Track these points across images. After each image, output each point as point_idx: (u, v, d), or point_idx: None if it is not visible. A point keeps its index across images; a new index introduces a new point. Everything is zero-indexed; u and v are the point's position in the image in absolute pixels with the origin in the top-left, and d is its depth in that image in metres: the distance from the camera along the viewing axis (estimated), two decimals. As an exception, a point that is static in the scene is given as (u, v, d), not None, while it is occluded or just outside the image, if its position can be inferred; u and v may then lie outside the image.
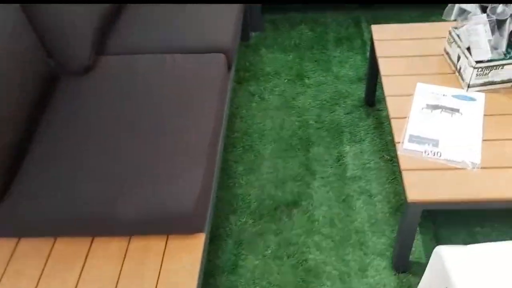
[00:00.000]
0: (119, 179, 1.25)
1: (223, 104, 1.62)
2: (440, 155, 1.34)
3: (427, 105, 1.49)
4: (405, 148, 1.37)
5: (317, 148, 1.96)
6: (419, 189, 1.26)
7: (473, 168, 1.30)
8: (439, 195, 1.24)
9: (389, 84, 1.58)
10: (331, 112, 2.11)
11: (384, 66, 1.64)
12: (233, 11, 1.86)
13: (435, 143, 1.37)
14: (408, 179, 1.29)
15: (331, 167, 1.88)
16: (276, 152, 1.96)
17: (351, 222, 1.69)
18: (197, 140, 1.34)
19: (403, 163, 1.33)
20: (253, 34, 2.60)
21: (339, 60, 2.38)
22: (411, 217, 1.32)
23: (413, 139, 1.39)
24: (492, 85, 1.51)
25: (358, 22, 2.62)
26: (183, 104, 1.45)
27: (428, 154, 1.34)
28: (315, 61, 2.39)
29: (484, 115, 1.44)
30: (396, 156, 1.40)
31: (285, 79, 2.31)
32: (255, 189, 1.83)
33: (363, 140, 1.97)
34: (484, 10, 1.36)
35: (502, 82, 1.50)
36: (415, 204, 1.26)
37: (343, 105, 2.14)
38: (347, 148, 1.95)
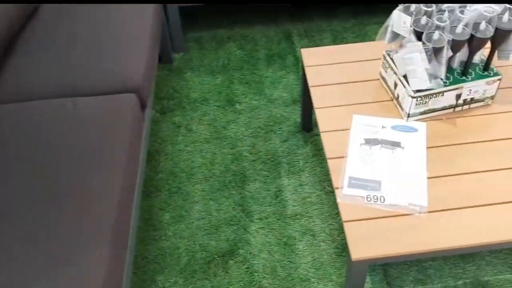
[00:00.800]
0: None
1: (138, 150, 1.42)
2: (384, 200, 1.22)
3: (366, 140, 1.38)
4: (344, 193, 1.25)
5: (253, 184, 1.81)
6: (364, 244, 1.14)
7: (420, 213, 1.19)
8: (386, 250, 1.13)
9: (323, 118, 1.45)
10: (267, 141, 1.97)
11: (317, 97, 1.52)
12: (145, 39, 1.66)
13: (377, 186, 1.26)
14: (351, 232, 1.16)
15: (269, 205, 1.73)
16: (208, 193, 1.78)
17: (295, 269, 1.55)
18: (101, 210, 1.13)
19: (345, 213, 1.20)
20: (176, 55, 2.41)
21: (271, 81, 2.24)
22: (357, 273, 1.19)
23: (353, 182, 1.27)
24: (434, 113, 1.42)
25: (289, 36, 2.51)
26: (86, 158, 1.23)
27: (371, 200, 1.23)
28: (246, 83, 2.24)
29: (427, 147, 1.35)
30: (336, 203, 1.27)
31: (214, 106, 2.14)
32: (184, 240, 1.64)
33: (302, 171, 1.85)
34: (419, 37, 1.26)
35: (444, 108, 1.42)
36: (360, 261, 1.13)
37: (279, 132, 2.00)
38: (286, 181, 1.81)
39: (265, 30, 2.56)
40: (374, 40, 2.39)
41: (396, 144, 1.36)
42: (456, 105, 1.42)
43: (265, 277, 1.53)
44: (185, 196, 1.77)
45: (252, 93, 2.19)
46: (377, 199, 1.23)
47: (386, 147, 1.35)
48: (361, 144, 1.37)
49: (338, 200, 1.24)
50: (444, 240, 1.13)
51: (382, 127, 1.41)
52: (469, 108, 1.44)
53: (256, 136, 1.99)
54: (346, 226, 1.18)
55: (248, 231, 1.65)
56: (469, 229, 1.15)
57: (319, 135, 1.97)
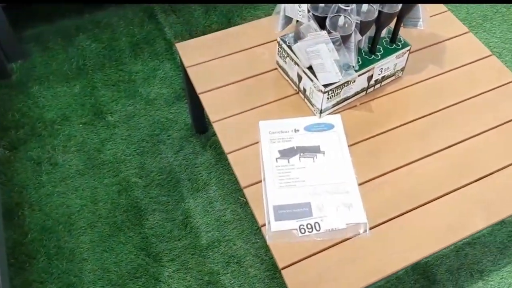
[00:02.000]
0: None
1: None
2: (319, 228, 1.06)
3: (280, 152, 1.18)
4: (274, 231, 1.05)
5: (153, 217, 1.54)
6: (311, 292, 0.97)
7: (364, 231, 1.05)
8: (338, 293, 0.97)
9: (225, 134, 1.22)
10: (156, 156, 1.68)
11: (210, 107, 1.27)
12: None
13: (308, 211, 1.08)
14: (292, 281, 0.98)
15: (179, 239, 1.49)
16: (99, 243, 1.47)
17: (227, 310, 1.36)
18: None
19: (280, 258, 1.01)
20: (13, 66, 1.93)
21: (144, 77, 1.91)
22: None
23: (280, 212, 1.08)
24: (346, 101, 1.27)
25: (152, 14, 2.15)
26: None
27: (305, 231, 1.05)
28: (113, 85, 1.88)
29: (349, 145, 1.20)
30: (267, 246, 1.08)
31: (79, 124, 1.77)
32: (84, 316, 1.35)
33: (208, 184, 1.61)
34: (320, 23, 1.06)
35: (356, 94, 1.27)
36: (312, 315, 0.97)
37: (169, 141, 1.72)
38: (191, 202, 1.57)
39: (121, 11, 2.17)
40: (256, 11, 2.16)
41: (315, 150, 1.19)
42: (368, 87, 1.28)
43: (195, 333, 1.32)
44: (70, 255, 1.45)
45: (123, 97, 1.85)
46: (312, 228, 1.06)
47: (306, 156, 1.18)
48: (276, 158, 1.17)
49: (268, 241, 1.04)
50: (398, 258, 1.01)
51: (295, 130, 1.22)
52: (380, 86, 1.32)
53: (141, 152, 1.69)
54: (285, 275, 1.00)
55: (160, 280, 1.40)
56: (421, 235, 1.04)
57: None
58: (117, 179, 1.62)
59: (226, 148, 1.18)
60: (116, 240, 1.48)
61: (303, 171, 1.14)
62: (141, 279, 1.40)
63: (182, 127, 1.76)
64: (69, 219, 1.52)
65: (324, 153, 1.18)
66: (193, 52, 1.39)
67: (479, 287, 1.37)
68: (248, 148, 1.19)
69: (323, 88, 1.15)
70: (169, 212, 1.54)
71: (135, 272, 1.42)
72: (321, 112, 1.23)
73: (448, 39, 1.42)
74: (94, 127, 1.76)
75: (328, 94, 1.18)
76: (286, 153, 1.18)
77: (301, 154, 1.18)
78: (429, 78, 1.33)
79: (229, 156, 1.17)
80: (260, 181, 1.13)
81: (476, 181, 1.13)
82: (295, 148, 1.19)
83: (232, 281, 1.40)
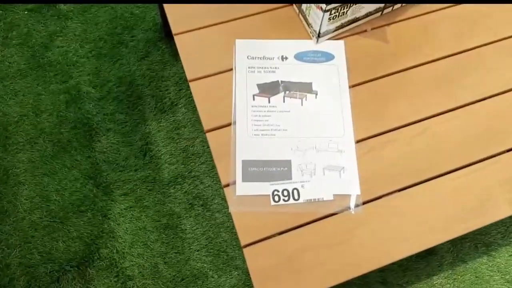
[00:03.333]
0: None
1: None
2: (299, 196, 0.83)
3: (260, 87, 0.90)
4: (240, 195, 0.82)
5: (106, 139, 1.29)
6: (279, 284, 0.77)
7: (354, 207, 0.83)
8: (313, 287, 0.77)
9: (188, 54, 0.93)
10: (116, 62, 1.39)
11: (174, 14, 0.96)
12: None
13: (287, 171, 0.84)
14: (256, 265, 0.78)
15: (135, 170, 1.26)
16: (39, 164, 1.25)
17: (185, 262, 1.19)
18: None
19: (243, 232, 0.80)
20: None
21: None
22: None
23: (251, 171, 0.84)
24: (354, 23, 0.96)
25: None
26: None
27: (279, 199, 0.82)
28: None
29: (351, 86, 0.92)
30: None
31: (24, 11, 1.44)
32: (15, 250, 1.16)
33: (176, 105, 1.35)
34: None
35: (368, 14, 0.96)
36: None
37: (132, 44, 1.42)
38: (154, 125, 1.32)
39: None
40: None
41: (305, 88, 0.91)
42: (385, 7, 0.97)
43: (144, 283, 1.15)
44: (3, 176, 1.23)
45: (80, -19, 1.49)
46: (289, 195, 0.83)
47: (292, 96, 0.90)
48: (254, 95, 0.90)
49: (231, 208, 0.82)
50: (394, 247, 0.80)
51: (282, 58, 0.94)
52: (401, 7, 1.00)
53: (98, 55, 1.39)
54: (248, 255, 0.79)
55: (109, 218, 1.21)
56: (427, 219, 0.82)
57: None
58: (66, 86, 1.34)
59: (188, 73, 0.90)
60: (60, 163, 1.25)
61: (287, 117, 0.88)
62: (86, 213, 1.20)
63: (150, 27, 1.44)
64: (5, 131, 1.28)
65: (316, 94, 0.91)
66: None
67: (483, 263, 1.19)
68: (217, 77, 0.91)
69: (324, 5, 0.84)
70: (126, 134, 1.30)
71: (80, 204, 1.21)
72: (319, 36, 0.93)
73: None
74: (42, 16, 1.43)
75: (331, 14, 0.87)
76: (267, 89, 0.90)
77: (287, 92, 0.90)
78: (460, 4, 1.01)
79: (192, 85, 0.90)
80: (229, 125, 0.87)
81: (508, 151, 0.88)
82: (280, 83, 0.91)
83: (195, 227, 1.21)
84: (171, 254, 1.17)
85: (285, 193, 0.82)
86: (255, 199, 0.81)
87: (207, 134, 0.85)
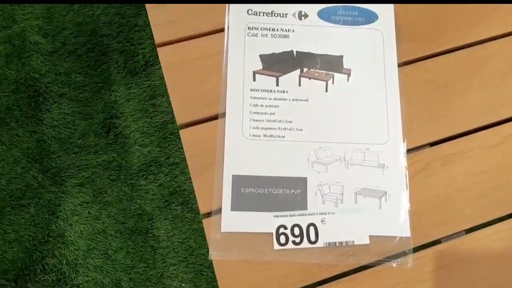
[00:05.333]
0: None
1: None
2: (317, 237, 0.56)
3: (264, 60, 0.62)
4: (225, 231, 0.56)
5: (58, 109, 1.02)
6: None
7: (403, 254, 0.57)
8: None
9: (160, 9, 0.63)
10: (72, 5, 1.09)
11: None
12: None
13: (300, 194, 0.57)
14: None
15: (95, 152, 1.00)
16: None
17: (160, 275, 0.95)
18: None
19: (227, 293, 0.54)
20: None
21: None
22: None
23: (245, 193, 0.57)
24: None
25: None
26: None
27: (287, 240, 0.56)
28: None
29: (401, 64, 0.64)
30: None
31: None
32: None
33: (152, 65, 1.06)
34: None
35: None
36: None
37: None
38: (121, 92, 1.04)
39: None
40: None
41: (333, 64, 0.63)
42: None
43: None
44: None
45: None
46: (302, 234, 0.56)
47: (312, 76, 0.62)
48: (254, 72, 0.61)
49: (212, 254, 0.56)
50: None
51: (300, 15, 0.64)
52: None
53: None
54: (234, 327, 0.54)
55: (58, 216, 0.95)
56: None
57: None
58: (7, 34, 1.05)
59: (157, 37, 0.61)
60: (-4, 139, 0.98)
61: (303, 109, 0.61)
62: (28, 209, 0.95)
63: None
64: None
65: (349, 75, 0.62)
66: None
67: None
68: (200, 40, 0.62)
69: None
70: (84, 103, 1.02)
71: (20, 196, 0.95)
72: (360, -17, 0.63)
73: None
74: None
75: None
76: (275, 63, 0.62)
77: (304, 70, 0.62)
78: None
79: (161, 54, 0.61)
80: (215, 118, 0.59)
81: None
82: (295, 54, 0.62)
83: (171, 233, 0.96)
84: (139, 268, 0.93)
85: (297, 231, 0.56)
86: (250, 239, 0.55)
87: (181, 132, 0.58)
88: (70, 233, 0.93)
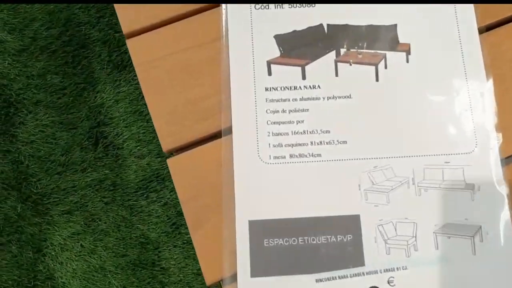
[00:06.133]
0: None
1: None
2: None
3: (282, 41, 0.43)
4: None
5: (34, 119, 0.85)
6: None
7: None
8: None
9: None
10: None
11: None
12: None
13: (351, 241, 0.39)
14: None
15: (82, 169, 0.83)
16: None
17: None
18: None
19: None
20: None
21: None
22: None
23: (268, 248, 0.39)
24: None
25: None
26: None
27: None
28: None
29: (482, 30, 0.44)
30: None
31: None
32: None
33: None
34: None
35: None
36: None
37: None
38: (108, 92, 0.87)
39: None
40: None
41: (383, 39, 0.44)
42: None
43: None
44: None
45: None
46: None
47: (355, 58, 0.43)
48: (269, 62, 0.42)
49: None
50: None
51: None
52: None
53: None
54: None
55: (45, 253, 0.80)
56: None
57: None
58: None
59: (124, 22, 0.43)
60: (-37, 164, 0.83)
61: (344, 111, 0.42)
62: (9, 246, 0.80)
63: None
64: None
65: (408, 52, 0.44)
66: None
67: None
68: (188, 24, 0.44)
69: None
70: (64, 109, 0.85)
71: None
72: None
73: None
74: None
75: None
76: (297, 46, 0.43)
77: (342, 51, 0.43)
78: None
79: (130, 46, 0.43)
80: (217, 136, 0.41)
81: None
82: (326, 30, 0.44)
83: (182, 263, 0.79)
84: None
85: (352, 297, 0.38)
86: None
87: (169, 162, 0.40)
88: (61, 273, 0.78)
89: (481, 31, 0.44)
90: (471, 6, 0.44)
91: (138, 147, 0.83)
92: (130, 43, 0.42)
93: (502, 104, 0.42)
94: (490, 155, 0.41)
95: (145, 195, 0.81)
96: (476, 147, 0.41)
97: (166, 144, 0.40)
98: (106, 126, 0.83)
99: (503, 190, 0.40)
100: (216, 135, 0.41)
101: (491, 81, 0.42)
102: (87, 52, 0.87)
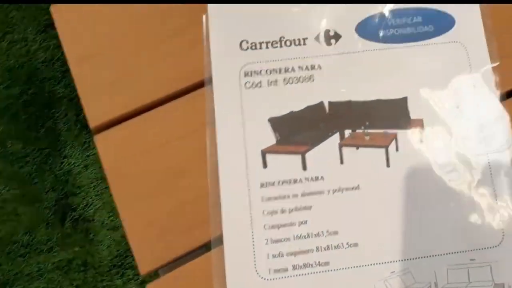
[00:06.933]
0: None
1: None
2: None
3: (278, 125, 0.37)
4: None
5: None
6: None
7: None
8: None
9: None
10: (1, 36, 0.85)
11: None
12: None
13: None
14: None
15: (48, 248, 0.76)
16: None
17: None
18: None
19: None
20: None
21: None
22: None
23: None
24: None
25: None
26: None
27: None
28: None
29: (505, 97, 0.40)
30: None
31: None
32: None
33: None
34: None
35: None
36: None
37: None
38: (75, 156, 0.80)
39: None
40: None
41: (393, 116, 0.39)
42: None
43: None
44: None
45: None
46: None
47: (361, 140, 0.38)
48: (264, 152, 0.37)
49: None
50: None
51: (327, 37, 0.40)
52: None
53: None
54: None
55: None
56: None
57: None
58: None
59: (91, 115, 0.37)
60: None
61: (352, 206, 0.37)
62: None
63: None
64: None
65: (421, 128, 0.38)
66: None
67: None
68: (167, 109, 0.38)
69: None
70: (28, 180, 0.78)
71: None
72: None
73: None
74: None
75: None
76: (295, 130, 0.38)
77: (346, 133, 0.38)
78: None
79: (98, 140, 0.37)
80: (207, 247, 0.35)
81: None
82: (327, 109, 0.38)
83: None
84: None
85: None
86: None
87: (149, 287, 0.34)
88: None
89: (502, 97, 0.39)
90: (489, 69, 0.40)
91: (111, 217, 0.76)
92: (98, 138, 0.36)
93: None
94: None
95: (121, 273, 0.73)
96: (503, 238, 0.36)
97: (145, 265, 0.34)
98: (75, 196, 0.76)
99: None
100: (203, 248, 0.35)
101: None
102: (51, 111, 0.81)
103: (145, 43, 0.38)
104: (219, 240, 0.34)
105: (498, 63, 0.40)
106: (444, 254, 0.36)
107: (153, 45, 0.38)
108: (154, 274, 0.34)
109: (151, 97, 0.37)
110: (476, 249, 0.36)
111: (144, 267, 0.33)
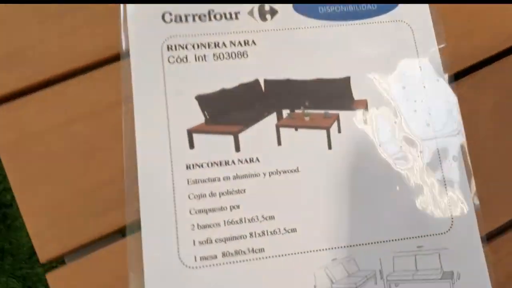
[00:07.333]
0: None
1: None
2: None
3: (206, 103, 0.35)
4: None
5: None
6: None
7: None
8: None
9: None
10: None
11: None
12: None
13: None
14: None
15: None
16: None
17: None
18: None
19: None
20: None
21: None
22: None
23: None
24: None
25: None
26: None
27: None
28: None
29: (451, 81, 0.38)
30: None
31: None
32: None
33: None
34: None
35: None
36: None
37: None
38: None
39: None
40: None
41: (335, 96, 0.36)
42: None
43: None
44: None
45: None
46: None
47: (300, 121, 0.35)
48: (190, 131, 0.34)
49: None
50: None
51: (261, 12, 0.38)
52: None
53: None
54: None
55: None
56: None
57: None
58: None
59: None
60: None
61: (291, 190, 0.34)
62: None
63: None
64: None
65: (365, 109, 0.36)
66: None
67: None
68: (79, 82, 0.34)
69: None
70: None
71: None
72: None
73: None
74: None
75: None
76: (227, 109, 0.35)
77: (285, 113, 0.35)
78: None
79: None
80: (121, 233, 0.32)
81: None
82: (262, 87, 0.36)
83: None
84: None
85: None
86: None
87: (49, 277, 0.29)
88: None
89: (450, 80, 0.38)
90: (435, 49, 0.38)
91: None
92: None
93: (478, 171, 0.35)
94: (469, 234, 0.34)
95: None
96: (452, 225, 0.34)
97: (45, 252, 0.30)
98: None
99: (486, 277, 0.33)
100: (118, 234, 0.31)
101: (462, 140, 0.36)
102: None
103: (51, 11, 0.35)
104: (137, 226, 0.31)
105: (444, 44, 0.39)
106: (389, 241, 0.33)
107: (61, 14, 0.35)
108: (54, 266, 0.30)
109: (57, 70, 0.34)
110: (424, 236, 0.34)
111: (43, 254, 0.29)
